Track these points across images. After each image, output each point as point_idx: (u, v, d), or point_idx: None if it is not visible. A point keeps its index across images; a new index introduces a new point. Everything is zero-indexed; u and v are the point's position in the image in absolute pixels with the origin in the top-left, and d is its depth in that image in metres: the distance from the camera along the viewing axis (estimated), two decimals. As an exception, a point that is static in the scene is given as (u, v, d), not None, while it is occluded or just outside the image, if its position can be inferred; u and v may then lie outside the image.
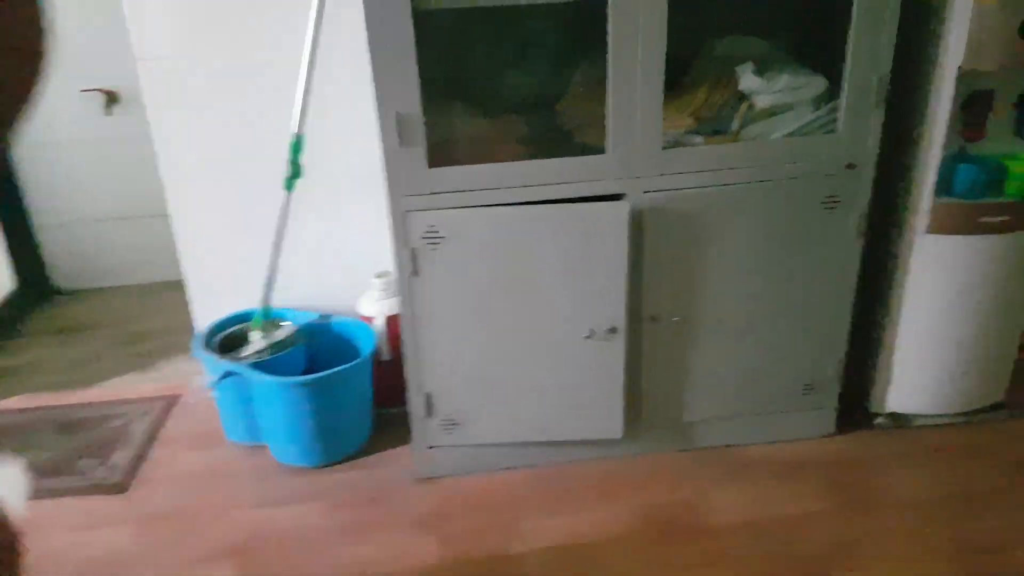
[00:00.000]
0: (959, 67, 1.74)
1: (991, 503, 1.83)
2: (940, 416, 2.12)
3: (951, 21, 1.72)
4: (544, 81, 1.99)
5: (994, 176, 1.87)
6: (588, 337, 1.84)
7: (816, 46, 1.92)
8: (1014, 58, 1.72)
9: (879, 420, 2.13)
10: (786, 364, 2.01)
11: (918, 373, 2.07)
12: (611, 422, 1.94)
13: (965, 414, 2.12)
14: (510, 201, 1.74)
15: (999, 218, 1.85)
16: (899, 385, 2.08)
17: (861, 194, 1.84)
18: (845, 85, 1.75)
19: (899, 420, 2.13)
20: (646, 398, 1.97)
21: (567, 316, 1.83)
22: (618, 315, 1.84)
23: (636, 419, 1.98)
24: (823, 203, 1.83)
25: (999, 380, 2.12)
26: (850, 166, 1.81)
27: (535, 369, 1.88)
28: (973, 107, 1.84)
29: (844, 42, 1.72)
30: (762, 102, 1.84)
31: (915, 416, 2.12)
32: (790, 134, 1.81)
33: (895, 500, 1.87)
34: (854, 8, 1.68)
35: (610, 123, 1.72)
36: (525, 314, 1.83)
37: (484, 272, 1.78)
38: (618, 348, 1.86)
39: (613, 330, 1.84)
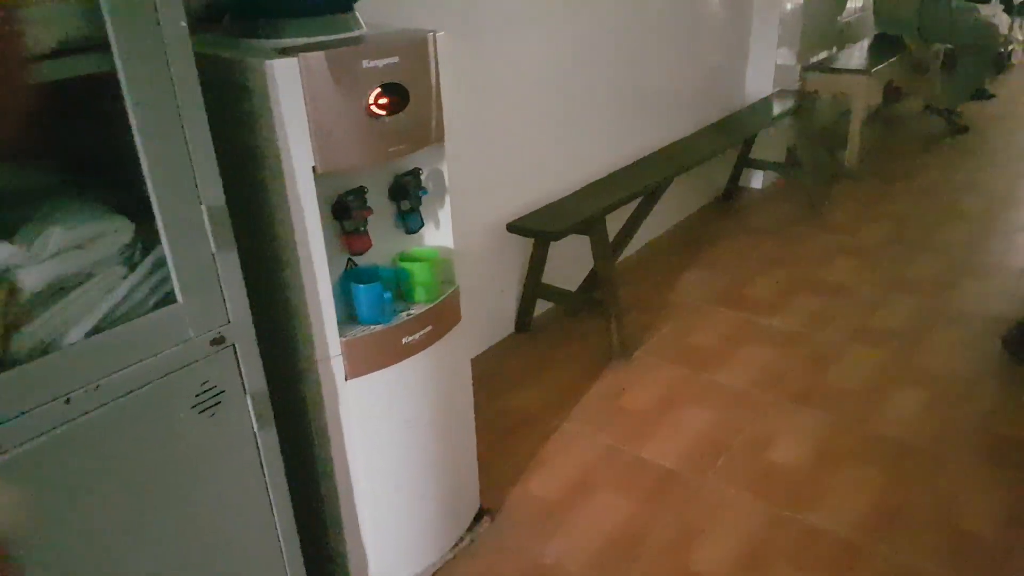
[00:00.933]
0: (314, 169, 1.27)
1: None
2: (436, 563, 1.73)
3: (288, 120, 1.22)
4: None
5: (401, 289, 1.50)
6: None
7: (104, 170, 1.20)
8: (374, 150, 1.33)
9: (374, 614, 1.62)
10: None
11: (395, 532, 1.61)
12: None
13: (459, 542, 1.78)
14: None
15: (421, 332, 1.49)
16: (380, 557, 1.60)
17: (249, 369, 1.22)
18: (161, 228, 1.08)
19: (394, 597, 1.66)
20: None
21: None
22: None
23: None
24: (197, 406, 1.15)
25: (472, 489, 1.84)
26: (218, 340, 1.16)
27: None
28: (347, 212, 1.40)
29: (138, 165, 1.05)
30: (32, 281, 1.03)
31: (409, 581, 1.69)
32: (102, 325, 1.07)
33: None
34: (133, 116, 1.01)
35: None
36: None
37: None
38: None
39: None
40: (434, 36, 1.39)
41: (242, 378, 1.20)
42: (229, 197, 1.14)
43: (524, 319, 2.71)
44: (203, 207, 1.11)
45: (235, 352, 1.18)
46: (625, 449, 2.11)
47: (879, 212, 3.73)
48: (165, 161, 1.06)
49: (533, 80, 2.52)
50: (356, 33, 1.38)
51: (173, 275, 1.10)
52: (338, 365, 1.38)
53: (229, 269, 1.16)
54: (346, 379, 1.39)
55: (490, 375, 2.47)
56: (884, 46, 4.58)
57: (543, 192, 2.64)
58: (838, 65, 4.16)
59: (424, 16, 2.05)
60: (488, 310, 2.63)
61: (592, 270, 2.76)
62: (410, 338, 1.46)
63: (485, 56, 2.31)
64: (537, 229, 2.41)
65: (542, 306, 2.81)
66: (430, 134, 1.44)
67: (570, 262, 2.80)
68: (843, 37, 4.70)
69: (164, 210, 1.07)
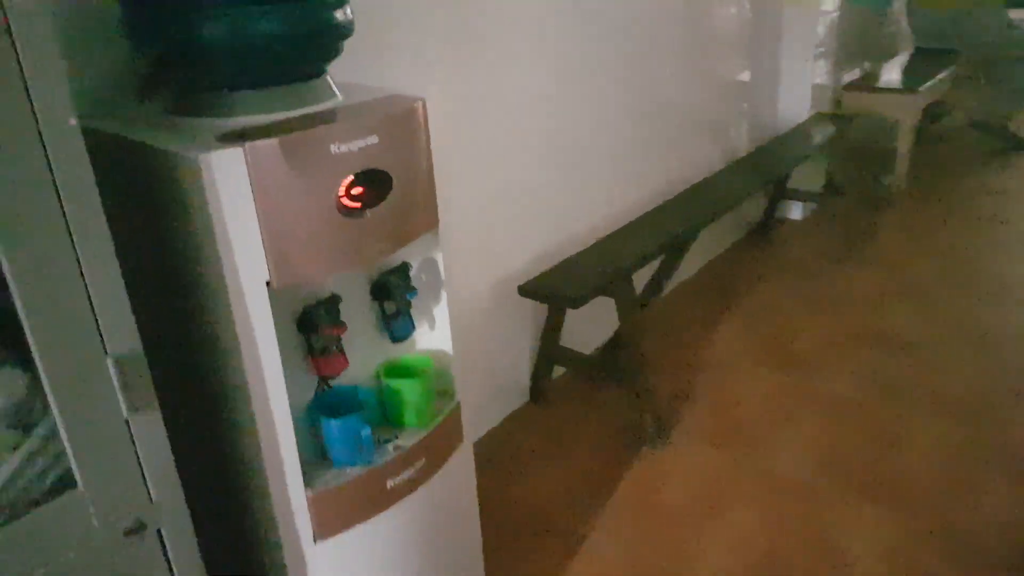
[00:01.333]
0: (268, 284, 0.99)
1: None
2: None
3: (231, 226, 0.95)
4: None
5: (386, 411, 1.22)
6: None
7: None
8: (348, 254, 1.05)
9: None
10: None
11: None
12: None
13: None
14: None
15: (412, 469, 1.20)
16: None
17: (180, 559, 0.93)
18: (48, 393, 0.80)
19: None
20: None
21: None
22: None
23: None
24: (107, 618, 0.88)
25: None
26: (135, 530, 0.88)
27: None
28: (315, 329, 1.12)
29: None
30: None
31: None
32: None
33: None
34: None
35: None
36: None
37: None
38: None
39: None
40: (423, 105, 1.11)
41: (172, 571, 0.92)
42: (156, 322, 0.87)
43: (539, 388, 2.41)
44: (109, 359, 0.83)
45: (161, 539, 0.91)
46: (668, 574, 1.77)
47: (935, 244, 3.38)
48: (50, 301, 0.79)
49: (538, 118, 2.23)
50: (325, 106, 1.10)
51: (69, 453, 0.82)
52: (304, 524, 1.09)
53: (149, 435, 0.88)
54: (315, 541, 1.10)
55: (501, 458, 2.17)
56: (924, 61, 4.24)
57: (557, 243, 2.35)
58: (882, 84, 3.83)
59: (412, 50, 1.76)
60: (498, 378, 2.33)
61: (615, 332, 2.46)
62: (397, 479, 1.17)
63: (483, 93, 2.02)
64: (554, 294, 2.11)
65: (560, 366, 2.51)
66: (420, 223, 1.16)
67: (589, 320, 2.49)
68: (878, 53, 4.36)
69: (50, 369, 0.80)
